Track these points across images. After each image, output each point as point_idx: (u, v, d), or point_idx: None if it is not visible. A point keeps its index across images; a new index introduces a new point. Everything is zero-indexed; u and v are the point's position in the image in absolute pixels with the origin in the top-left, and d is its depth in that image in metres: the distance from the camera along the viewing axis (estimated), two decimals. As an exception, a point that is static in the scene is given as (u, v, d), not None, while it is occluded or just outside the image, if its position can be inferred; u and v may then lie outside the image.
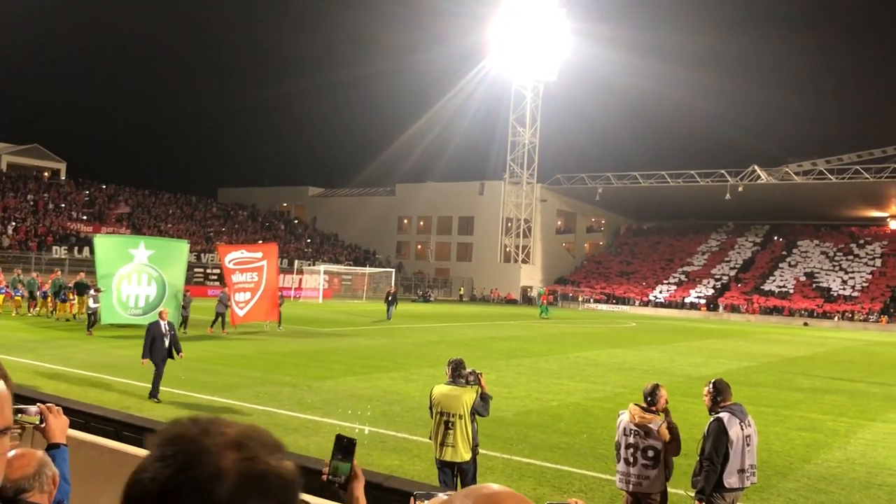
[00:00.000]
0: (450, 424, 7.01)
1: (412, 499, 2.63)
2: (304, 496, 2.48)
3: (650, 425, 6.33)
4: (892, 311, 61.09)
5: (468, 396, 7.08)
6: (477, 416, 7.20)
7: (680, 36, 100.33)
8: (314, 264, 59.80)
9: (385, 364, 19.12)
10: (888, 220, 76.96)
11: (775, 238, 78.85)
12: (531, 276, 75.06)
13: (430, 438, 7.43)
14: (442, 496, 2.51)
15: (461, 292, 71.47)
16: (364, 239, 78.80)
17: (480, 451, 7.66)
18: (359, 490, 2.47)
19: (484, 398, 7.19)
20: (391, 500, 4.49)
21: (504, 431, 11.42)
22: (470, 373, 7.20)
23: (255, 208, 79.23)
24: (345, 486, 2.44)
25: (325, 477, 2.45)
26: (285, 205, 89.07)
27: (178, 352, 13.42)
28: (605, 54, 73.48)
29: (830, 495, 8.82)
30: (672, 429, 6.36)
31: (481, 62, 71.55)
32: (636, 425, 6.38)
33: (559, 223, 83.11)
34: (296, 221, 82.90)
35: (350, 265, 66.13)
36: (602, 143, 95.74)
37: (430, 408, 7.26)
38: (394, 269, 63.10)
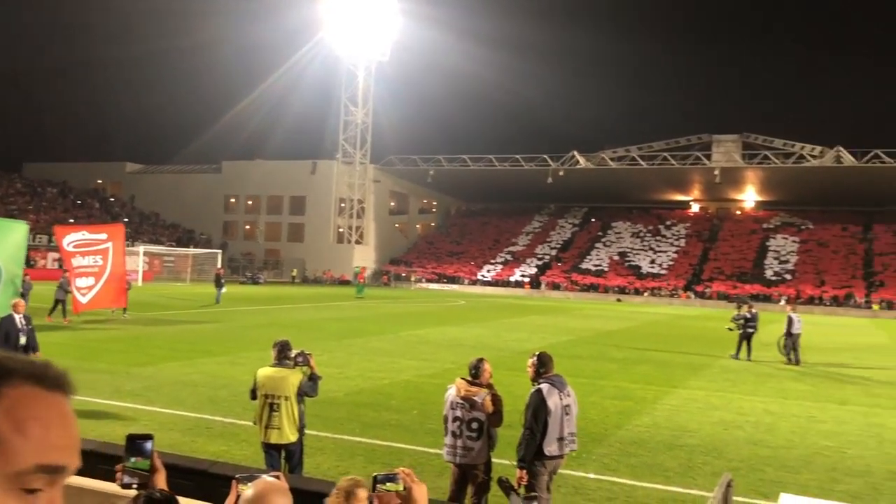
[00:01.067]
0: (275, 406, 6.90)
1: (234, 481, 2.56)
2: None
3: (475, 398, 6.52)
4: (693, 287, 66.69)
5: (294, 378, 6.99)
6: (305, 398, 7.12)
7: (507, 22, 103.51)
8: (133, 245, 56.48)
9: (212, 348, 18.47)
10: (691, 203, 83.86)
11: (592, 220, 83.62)
12: (364, 257, 75.08)
13: (254, 423, 7.29)
14: (266, 477, 2.46)
15: (293, 274, 70.25)
16: (187, 218, 75.43)
17: (310, 431, 7.60)
18: (160, 482, 2.38)
19: (313, 379, 7.12)
20: (216, 485, 4.34)
21: (335, 412, 11.39)
22: (298, 354, 7.10)
23: (67, 185, 73.61)
24: (144, 485, 2.34)
25: (118, 482, 2.33)
26: (100, 181, 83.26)
27: (35, 350, 11.70)
28: (435, 36, 74.44)
29: (639, 458, 9.52)
30: (496, 401, 6.58)
31: (314, 38, 70.28)
32: (462, 398, 6.55)
33: (392, 204, 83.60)
34: (112, 199, 77.88)
35: (172, 246, 63.09)
36: (435, 126, 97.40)
37: (253, 390, 7.11)
38: (220, 251, 60.91)
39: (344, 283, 68.66)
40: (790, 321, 21.26)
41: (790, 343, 21.12)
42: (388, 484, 2.48)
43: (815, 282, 64.74)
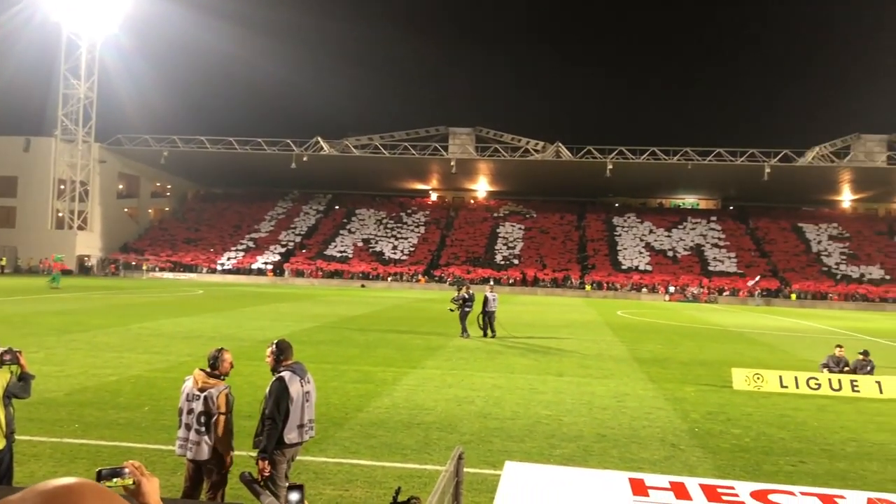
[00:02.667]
0: (-19, 412, 6.13)
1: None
2: None
3: (212, 390, 6.29)
4: (431, 272, 69.68)
5: (1, 379, 6.26)
6: (13, 400, 6.40)
7: (252, 2, 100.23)
8: None
9: None
10: (430, 192, 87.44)
11: (336, 206, 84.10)
12: (89, 244, 69.07)
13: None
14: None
15: (2, 263, 62.72)
16: None
17: (22, 437, 6.84)
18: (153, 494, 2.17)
19: (23, 378, 6.41)
20: None
21: (53, 413, 10.40)
22: (5, 352, 6.35)
23: None
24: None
25: None
26: None
27: None
28: (175, 10, 70.06)
29: (379, 438, 9.78)
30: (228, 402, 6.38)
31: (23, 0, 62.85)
32: (199, 390, 6.29)
33: (121, 187, 77.60)
34: None
35: None
36: (173, 105, 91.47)
37: None
38: None
39: (66, 272, 62.62)
40: (486, 300, 23.83)
41: (486, 319, 23.62)
42: (114, 479, 2.31)
43: (538, 265, 70.62)
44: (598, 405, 12.63)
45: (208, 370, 6.46)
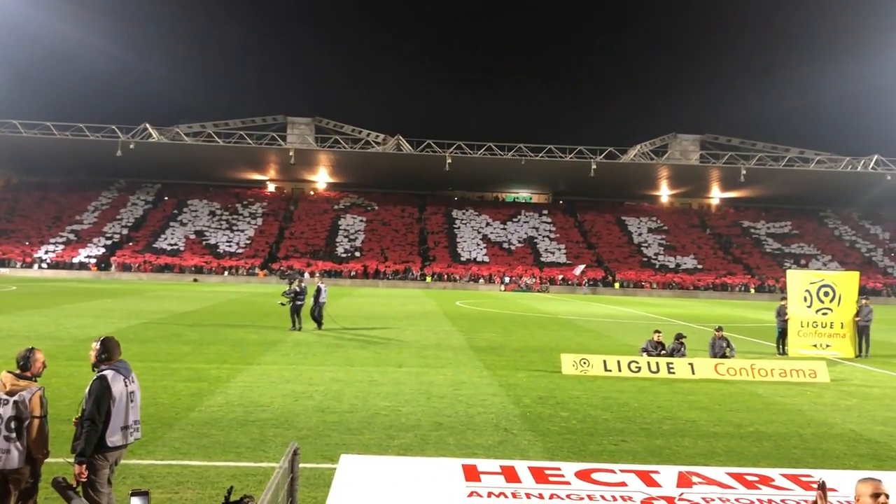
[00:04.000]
0: None
1: None
2: None
3: (24, 393, 5.83)
4: (270, 265, 68.10)
5: None
6: None
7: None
8: None
9: None
10: (268, 182, 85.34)
11: (167, 197, 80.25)
12: None
13: None
14: None
15: None
16: None
17: None
18: None
19: None
20: None
21: None
22: None
23: None
24: None
25: None
26: None
27: None
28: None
29: (212, 437, 9.45)
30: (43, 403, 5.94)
31: None
32: (7, 394, 5.80)
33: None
34: None
35: None
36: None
37: None
38: None
39: None
40: (319, 291, 23.75)
41: (317, 310, 23.47)
42: None
43: (380, 258, 70.85)
44: (435, 394, 12.85)
45: (18, 372, 5.97)
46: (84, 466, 5.80)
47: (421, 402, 12.11)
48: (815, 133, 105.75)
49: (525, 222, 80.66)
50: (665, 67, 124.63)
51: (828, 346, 21.05)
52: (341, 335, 21.90)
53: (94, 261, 66.00)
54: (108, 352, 6.21)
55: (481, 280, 67.45)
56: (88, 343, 8.27)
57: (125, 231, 72.85)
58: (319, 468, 8.09)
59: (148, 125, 68.30)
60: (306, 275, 55.73)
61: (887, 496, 3.98)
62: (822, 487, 3.86)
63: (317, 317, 23.47)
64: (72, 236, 70.32)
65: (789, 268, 58.65)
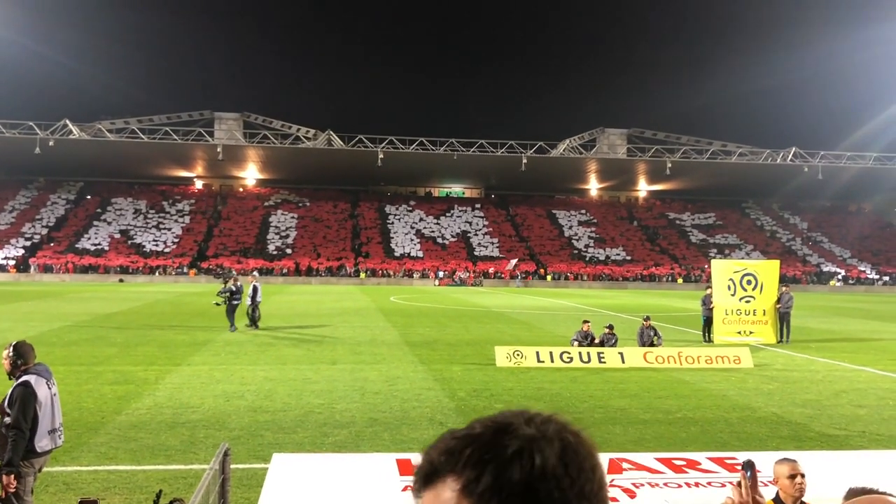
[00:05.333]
0: None
1: None
2: None
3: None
4: (199, 264, 66.67)
5: None
6: None
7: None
8: None
9: None
10: (195, 179, 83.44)
11: (89, 196, 77.73)
12: None
13: None
14: None
15: None
16: None
17: None
18: None
19: None
20: None
21: None
22: None
23: None
24: None
25: None
26: None
27: None
28: None
29: (140, 441, 9.20)
30: None
31: None
32: None
33: None
34: None
35: None
36: None
37: None
38: None
39: None
40: (255, 290, 23.16)
41: (253, 309, 22.97)
42: None
43: (313, 255, 70.13)
44: (370, 390, 12.80)
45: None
46: (13, 476, 5.60)
47: (355, 399, 12.04)
48: (736, 126, 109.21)
49: (458, 217, 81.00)
50: (592, 62, 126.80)
51: (751, 332, 21.78)
52: (274, 334, 21.60)
53: (12, 262, 63.46)
54: (24, 356, 6.00)
55: (415, 275, 67.47)
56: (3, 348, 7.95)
57: (45, 231, 70.27)
58: (252, 468, 7.97)
59: (68, 121, 65.87)
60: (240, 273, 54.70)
61: (803, 476, 4.14)
62: (749, 467, 3.87)
63: (254, 317, 23.00)
64: (-13, 237, 67.48)
65: (714, 258, 60.59)
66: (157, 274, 64.07)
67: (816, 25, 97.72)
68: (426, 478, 0.99)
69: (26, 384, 5.82)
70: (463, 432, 1.01)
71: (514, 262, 69.30)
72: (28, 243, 67.49)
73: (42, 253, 65.73)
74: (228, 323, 22.23)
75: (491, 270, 69.03)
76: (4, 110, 74.93)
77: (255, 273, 33.79)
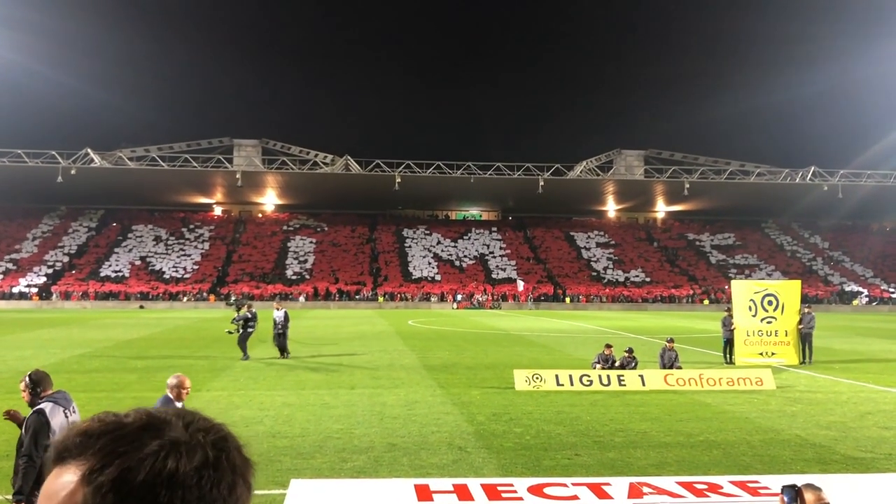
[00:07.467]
0: None
1: None
2: None
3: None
4: (218, 289, 67.03)
5: None
6: None
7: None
8: None
9: None
10: (214, 206, 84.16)
11: (111, 223, 78.55)
12: None
13: None
14: None
15: None
16: None
17: None
18: None
19: None
20: None
21: None
22: None
23: None
24: None
25: None
26: None
27: None
28: None
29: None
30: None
31: None
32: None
33: None
34: None
35: None
36: None
37: None
38: None
39: None
40: (286, 317, 22.02)
41: (281, 337, 21.83)
42: None
43: (331, 279, 70.32)
44: (388, 415, 12.75)
45: (-48, 408, 5.75)
46: (22, 504, 5.61)
47: (374, 424, 12.00)
48: (753, 145, 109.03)
49: (475, 239, 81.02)
50: (608, 85, 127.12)
51: (773, 353, 21.52)
52: (293, 359, 21.60)
53: (35, 290, 64.13)
54: (41, 384, 6.02)
55: (433, 298, 67.41)
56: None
57: (67, 259, 71.01)
58: (270, 494, 7.94)
59: (89, 150, 66.84)
60: (301, 299, 54.81)
61: None
62: (790, 493, 3.74)
63: (284, 344, 21.94)
64: (10, 265, 68.27)
65: (734, 278, 60.00)
66: (184, 300, 64.40)
67: (831, 42, 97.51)
68: (58, 455, 0.95)
69: (40, 412, 5.81)
70: (112, 417, 0.97)
71: (521, 283, 68.94)
72: (50, 271, 68.22)
73: (64, 280, 66.40)
74: (241, 352, 21.15)
75: (510, 293, 68.84)
76: (27, 139, 76.13)
77: (278, 299, 33.27)
